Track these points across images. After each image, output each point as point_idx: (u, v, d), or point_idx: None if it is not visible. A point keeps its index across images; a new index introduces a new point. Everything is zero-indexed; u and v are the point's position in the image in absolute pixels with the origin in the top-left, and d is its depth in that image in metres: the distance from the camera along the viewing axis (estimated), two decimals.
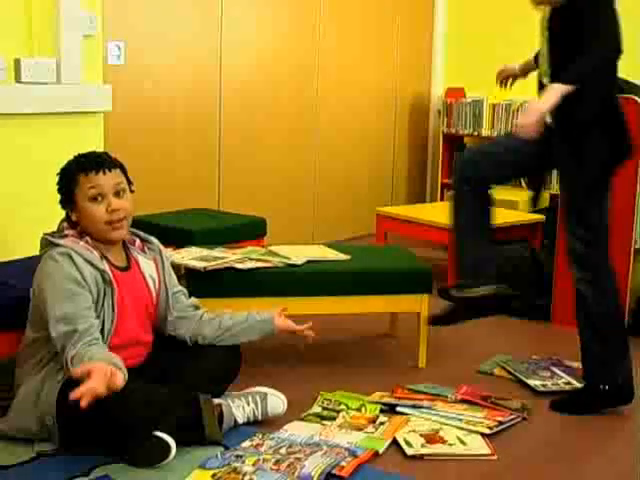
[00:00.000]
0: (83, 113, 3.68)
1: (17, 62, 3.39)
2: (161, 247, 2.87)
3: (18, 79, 3.40)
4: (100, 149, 3.72)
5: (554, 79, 2.88)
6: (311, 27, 5.63)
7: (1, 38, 3.35)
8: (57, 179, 2.68)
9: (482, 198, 3.12)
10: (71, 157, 2.69)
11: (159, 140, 4.78)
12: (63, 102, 3.56)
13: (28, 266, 2.91)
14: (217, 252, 3.41)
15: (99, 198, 2.61)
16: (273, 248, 3.55)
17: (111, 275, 2.63)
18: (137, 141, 4.61)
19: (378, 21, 6.13)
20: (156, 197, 4.56)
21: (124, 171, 2.71)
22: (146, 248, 2.83)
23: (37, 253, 2.67)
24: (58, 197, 2.68)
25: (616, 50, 2.85)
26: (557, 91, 2.80)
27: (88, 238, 2.64)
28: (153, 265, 2.82)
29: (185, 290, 2.95)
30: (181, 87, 4.89)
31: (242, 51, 5.20)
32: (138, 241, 2.82)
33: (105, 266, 2.63)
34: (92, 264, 2.58)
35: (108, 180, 2.63)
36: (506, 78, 3.39)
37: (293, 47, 5.53)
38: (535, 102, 2.86)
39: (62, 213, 2.72)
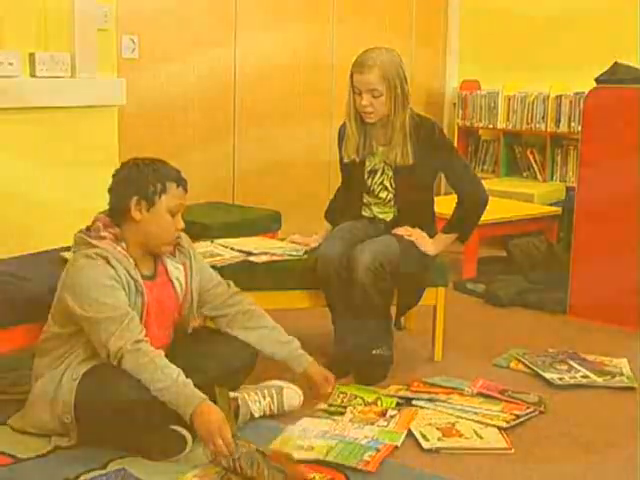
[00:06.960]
0: (97, 107, 3.68)
1: (32, 56, 3.40)
2: (191, 250, 2.78)
3: (33, 73, 3.41)
4: (114, 143, 3.73)
5: (402, 215, 3.27)
6: (326, 21, 5.60)
7: (16, 32, 3.36)
8: (137, 170, 2.58)
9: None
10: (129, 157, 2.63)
11: (173, 133, 4.78)
12: (77, 96, 3.57)
13: (42, 260, 2.92)
14: (221, 249, 3.35)
15: (175, 214, 2.62)
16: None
17: (143, 286, 2.59)
18: (151, 134, 4.60)
19: (393, 13, 6.09)
20: None
21: None
22: (177, 251, 2.75)
23: (50, 247, 2.66)
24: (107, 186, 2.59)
25: (486, 194, 3.27)
26: (448, 241, 3.28)
27: (124, 244, 2.59)
28: (182, 269, 2.75)
29: (223, 281, 2.87)
30: (195, 81, 4.88)
31: (257, 45, 5.18)
32: None
33: (138, 276, 2.59)
34: (128, 272, 2.55)
35: (184, 201, 2.66)
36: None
37: (308, 41, 5.50)
38: (427, 241, 3.23)
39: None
